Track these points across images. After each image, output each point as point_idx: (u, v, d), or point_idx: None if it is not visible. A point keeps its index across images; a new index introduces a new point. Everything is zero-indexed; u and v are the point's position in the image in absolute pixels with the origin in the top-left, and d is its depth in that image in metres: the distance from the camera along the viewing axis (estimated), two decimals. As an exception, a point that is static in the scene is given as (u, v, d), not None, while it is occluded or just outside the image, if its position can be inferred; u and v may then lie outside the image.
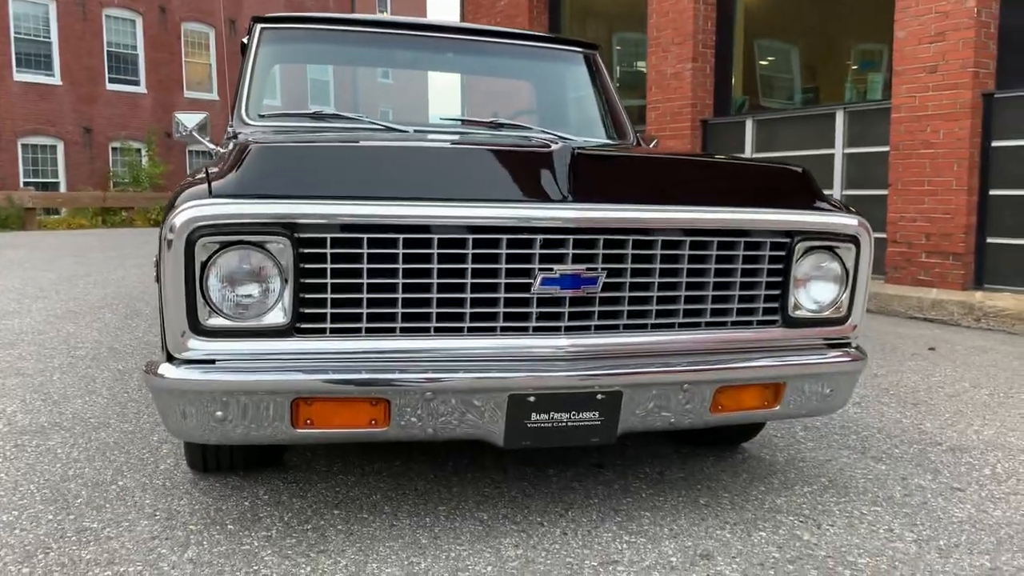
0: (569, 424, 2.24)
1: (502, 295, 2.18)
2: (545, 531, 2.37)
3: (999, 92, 6.42)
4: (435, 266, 2.13)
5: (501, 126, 3.52)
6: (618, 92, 4.02)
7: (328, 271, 2.08)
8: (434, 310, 2.15)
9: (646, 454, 3.06)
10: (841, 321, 2.54)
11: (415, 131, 3.34)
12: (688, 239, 2.31)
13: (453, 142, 2.50)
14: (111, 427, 3.22)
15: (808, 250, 2.47)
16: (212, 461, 2.68)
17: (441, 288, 2.15)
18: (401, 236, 2.10)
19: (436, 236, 2.12)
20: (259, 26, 3.69)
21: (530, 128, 3.56)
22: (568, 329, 2.24)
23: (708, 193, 2.39)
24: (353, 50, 3.96)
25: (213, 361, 2.07)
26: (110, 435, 3.13)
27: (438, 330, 2.17)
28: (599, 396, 2.23)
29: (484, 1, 12.27)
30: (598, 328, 2.27)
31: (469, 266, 2.15)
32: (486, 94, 4.32)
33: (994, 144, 6.45)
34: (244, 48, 3.74)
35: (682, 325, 2.37)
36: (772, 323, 2.47)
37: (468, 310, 2.17)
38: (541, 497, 2.61)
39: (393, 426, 2.16)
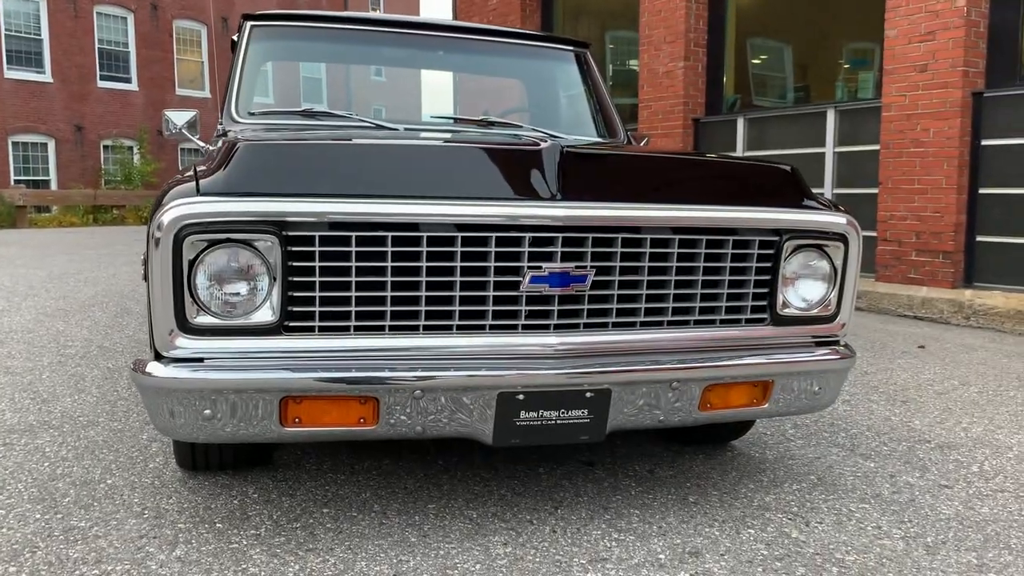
0: (558, 422, 2.24)
1: (491, 293, 2.18)
2: (535, 529, 2.37)
3: (988, 91, 6.44)
4: (424, 264, 2.13)
5: (492, 124, 3.53)
6: (611, 90, 4.03)
7: (317, 269, 2.08)
8: (423, 308, 2.16)
9: (636, 452, 3.06)
10: (829, 319, 2.54)
11: (405, 129, 3.33)
12: (677, 237, 2.31)
13: (442, 140, 2.50)
14: (100, 425, 3.21)
15: (797, 248, 2.47)
16: (201, 460, 2.67)
17: (430, 286, 2.15)
18: (390, 234, 2.10)
19: (425, 234, 2.12)
20: (249, 24, 3.68)
21: (520, 126, 3.56)
22: (557, 327, 2.24)
23: (697, 191, 2.40)
24: (343, 48, 3.96)
25: (201, 359, 2.07)
26: (99, 433, 3.12)
27: (427, 328, 2.17)
28: (588, 394, 2.24)
29: (476, -1, 12.28)
30: (587, 326, 2.27)
31: (458, 264, 2.15)
32: (477, 92, 4.31)
33: (984, 143, 6.48)
34: (234, 46, 3.73)
35: (671, 323, 2.37)
36: (760, 321, 2.47)
37: (457, 308, 2.17)
38: (531, 495, 2.62)
39: (382, 424, 2.16)
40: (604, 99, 4.01)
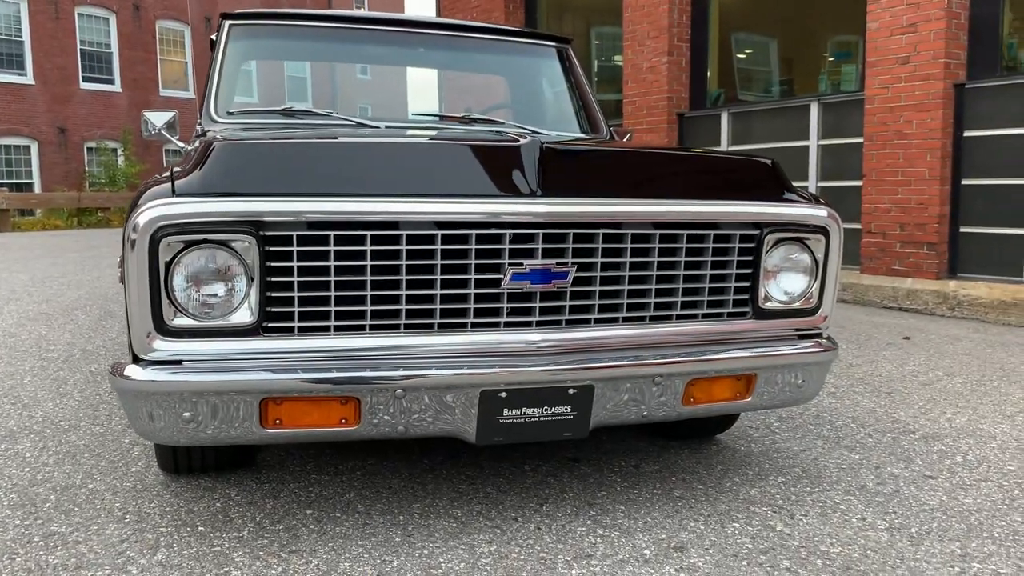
0: (541, 419, 2.23)
1: (472, 291, 2.17)
2: (519, 527, 2.37)
3: (970, 83, 6.47)
4: (404, 262, 2.11)
5: (474, 121, 3.52)
6: (596, 86, 4.03)
7: (295, 269, 2.06)
8: (403, 307, 2.14)
9: (622, 448, 3.06)
10: (812, 312, 2.55)
11: (387, 127, 3.32)
12: (658, 232, 2.31)
13: (422, 137, 2.47)
14: (82, 430, 3.19)
15: (778, 242, 2.47)
16: (183, 462, 2.65)
17: (410, 284, 2.13)
18: (369, 233, 2.08)
19: (404, 232, 2.10)
20: (228, 22, 3.65)
21: (503, 123, 3.55)
22: (539, 324, 2.23)
23: (677, 186, 2.39)
24: (324, 47, 3.93)
25: (180, 361, 2.05)
26: (80, 438, 3.09)
27: (408, 327, 2.16)
28: (571, 390, 2.23)
29: (460, -4, 12.24)
30: (569, 322, 2.27)
31: (438, 262, 2.13)
32: (461, 89, 4.30)
33: (966, 134, 6.50)
34: (213, 45, 3.70)
35: (653, 318, 2.37)
36: (743, 315, 2.47)
37: (438, 306, 2.16)
38: (516, 492, 2.61)
39: (364, 424, 2.14)
40: (587, 95, 4.00)
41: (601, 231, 2.24)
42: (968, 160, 6.52)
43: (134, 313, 2.03)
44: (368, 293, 2.11)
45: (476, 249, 2.15)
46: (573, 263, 2.21)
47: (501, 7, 11.50)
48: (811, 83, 8.35)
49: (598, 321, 2.30)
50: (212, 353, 2.06)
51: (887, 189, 6.84)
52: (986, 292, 6.17)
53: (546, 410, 2.24)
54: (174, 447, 2.54)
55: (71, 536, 2.25)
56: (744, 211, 2.41)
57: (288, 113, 3.37)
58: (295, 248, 2.05)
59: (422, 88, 4.22)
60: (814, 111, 7.60)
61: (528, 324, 2.22)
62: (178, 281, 2.03)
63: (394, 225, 2.09)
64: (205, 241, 2.02)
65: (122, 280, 2.12)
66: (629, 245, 2.28)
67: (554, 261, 2.20)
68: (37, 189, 24.23)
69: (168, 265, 2.01)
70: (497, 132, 3.07)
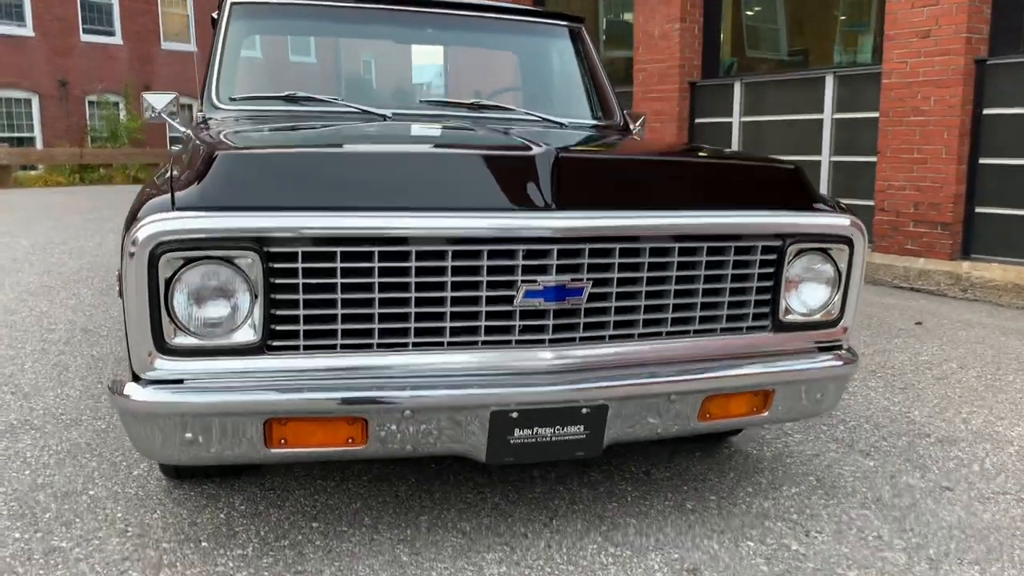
0: (553, 439, 2.17)
1: (483, 308, 2.09)
2: (529, 544, 2.32)
3: (992, 59, 6.29)
4: (413, 279, 2.03)
5: (483, 107, 3.40)
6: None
7: (300, 286, 1.98)
8: (412, 325, 2.06)
9: (632, 451, 3.00)
10: (832, 324, 2.47)
11: (393, 114, 3.21)
12: (677, 245, 2.22)
13: (433, 140, 2.36)
14: (83, 425, 3.13)
15: (800, 252, 2.38)
16: (186, 469, 2.60)
17: (419, 302, 2.05)
18: (376, 249, 2.00)
19: (414, 248, 2.02)
20: (229, 1, 3.52)
21: (512, 109, 3.43)
22: (552, 341, 2.15)
23: (697, 195, 2.30)
24: (329, 25, 3.79)
25: (181, 381, 1.98)
26: (82, 435, 3.04)
27: (417, 345, 2.09)
28: (584, 410, 2.16)
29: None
30: (583, 339, 2.19)
31: (448, 279, 2.05)
32: (469, 69, 4.16)
33: (985, 112, 6.35)
34: (215, 23, 3.57)
35: (670, 333, 2.29)
36: (762, 328, 2.39)
37: (448, 324, 2.08)
38: (525, 503, 2.56)
39: (371, 444, 2.08)
40: (599, 77, 3.86)
41: (618, 245, 2.15)
42: (987, 139, 6.37)
43: (133, 330, 1.95)
44: (376, 311, 2.03)
45: (488, 265, 2.06)
46: (588, 279, 2.13)
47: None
48: (826, 54, 8.15)
49: (613, 337, 2.22)
50: (215, 372, 1.99)
51: (902, 166, 6.71)
52: (1000, 274, 6.07)
53: (558, 430, 2.17)
54: (176, 454, 2.48)
55: (72, 552, 2.20)
56: (767, 221, 2.32)
57: (292, 99, 3.25)
58: (300, 265, 1.97)
59: (430, 68, 4.08)
60: (829, 83, 7.42)
61: (541, 341, 2.14)
62: (179, 298, 1.95)
63: (403, 241, 2.00)
64: (207, 257, 1.94)
65: (120, 295, 2.04)
66: (647, 259, 2.19)
67: (568, 277, 2.11)
68: (39, 143, 24.05)
69: (168, 282, 1.93)
70: (507, 126, 2.97)
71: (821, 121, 7.52)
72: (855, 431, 3.30)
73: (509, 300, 2.09)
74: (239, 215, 1.93)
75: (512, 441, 2.14)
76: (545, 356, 2.14)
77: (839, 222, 2.41)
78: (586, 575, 2.16)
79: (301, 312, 2.00)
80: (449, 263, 2.04)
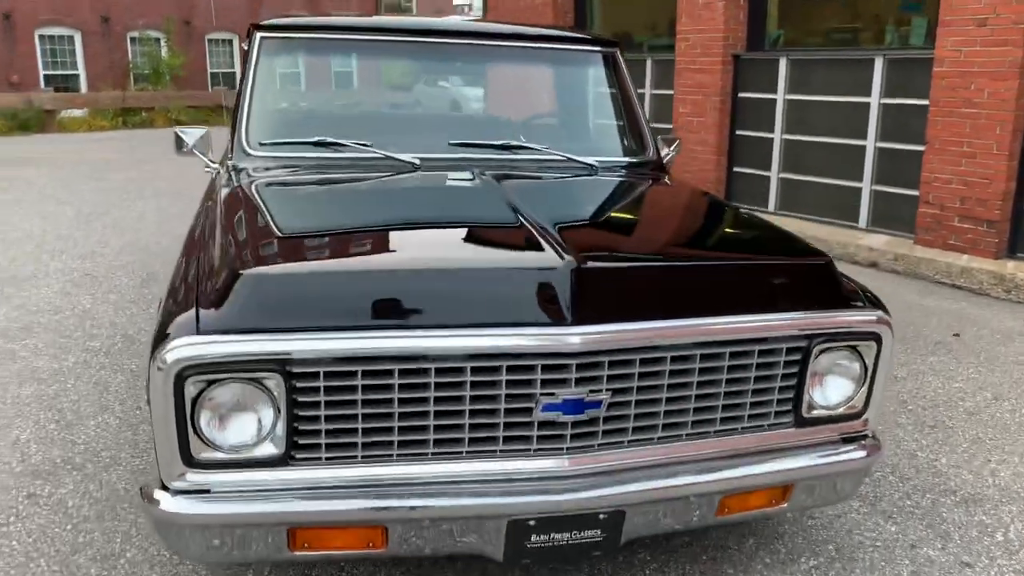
0: (570, 543, 2.21)
1: (502, 420, 2.11)
2: (545, 629, 2.38)
3: (1051, 50, 6.01)
4: (432, 395, 2.06)
5: (515, 148, 3.37)
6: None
7: (322, 403, 2.03)
8: (431, 437, 2.10)
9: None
10: (855, 416, 2.45)
11: (420, 160, 3.20)
12: (699, 352, 2.21)
13: (449, 262, 2.30)
14: (122, 465, 3.25)
15: (826, 349, 2.35)
16: None
17: (439, 415, 2.08)
18: (396, 367, 2.02)
19: (433, 366, 2.04)
20: (259, 35, 3.48)
21: (541, 150, 3.38)
22: (570, 449, 2.17)
23: (721, 299, 2.27)
24: (362, 58, 3.75)
25: (208, 491, 2.05)
26: (120, 478, 3.15)
27: (436, 455, 2.12)
28: (601, 516, 2.19)
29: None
30: (602, 445, 2.20)
31: (467, 393, 2.07)
32: (500, 100, 4.10)
33: (1041, 106, 6.10)
34: (245, 56, 3.55)
35: (690, 435, 2.29)
36: (785, 424, 2.38)
37: (467, 435, 2.12)
38: (545, 569, 2.60)
39: (392, 547, 2.14)
40: (632, 105, 3.78)
41: (638, 356, 2.14)
42: (1041, 135, 6.13)
43: (161, 444, 2.02)
44: (396, 424, 2.07)
45: (507, 380, 2.08)
46: (608, 390, 2.14)
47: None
48: (878, 34, 7.83)
49: (632, 442, 2.23)
50: (240, 483, 2.06)
51: (950, 159, 6.50)
52: (1046, 278, 5.92)
53: (575, 534, 2.21)
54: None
55: (109, 633, 2.31)
56: (793, 322, 2.29)
57: (322, 145, 3.25)
58: (322, 384, 2.01)
59: (461, 100, 4.02)
60: (878, 66, 7.17)
61: (560, 450, 2.17)
62: (204, 416, 2.00)
63: (422, 359, 2.03)
64: (231, 379, 1.98)
65: (148, 403, 2.09)
66: (668, 367, 2.19)
67: (587, 389, 2.12)
68: (82, 81, 24.28)
69: (194, 401, 1.98)
70: (542, 160, 2.93)
71: (868, 105, 7.28)
72: (879, 485, 3.29)
73: (528, 412, 2.11)
74: (262, 339, 1.97)
75: (529, 546, 2.18)
76: (563, 464, 2.16)
77: (867, 318, 2.37)
78: (599, 672, 2.23)
79: (323, 427, 2.04)
80: (468, 379, 2.06)
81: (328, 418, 2.04)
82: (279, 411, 2.02)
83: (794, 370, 2.33)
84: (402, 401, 2.05)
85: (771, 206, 8.38)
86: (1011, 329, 5.38)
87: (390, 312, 2.05)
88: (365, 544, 2.14)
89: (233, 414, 2.01)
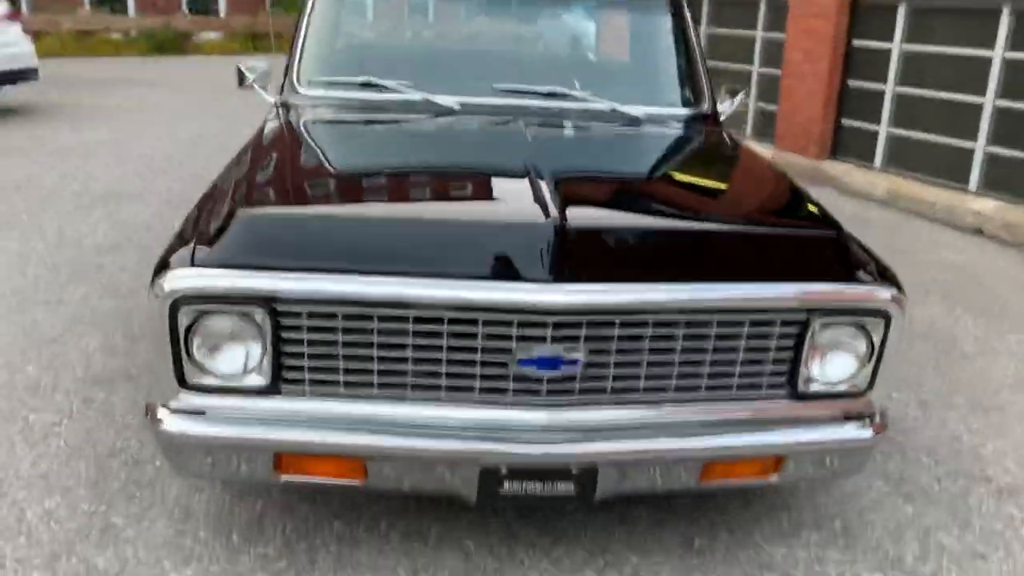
0: (541, 493, 2.26)
1: (479, 371, 2.16)
2: (523, 573, 2.45)
3: None
4: (410, 341, 2.13)
5: (559, 96, 3.34)
6: None
7: (305, 340, 2.13)
8: (409, 380, 2.18)
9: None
10: (858, 395, 2.37)
11: (462, 106, 3.23)
12: (684, 318, 2.17)
13: (438, 216, 2.34)
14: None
15: (829, 324, 2.27)
16: None
17: (416, 362, 2.15)
18: (376, 311, 2.09)
19: (412, 313, 2.10)
20: (318, -26, 3.56)
21: (588, 99, 3.34)
22: (547, 404, 2.20)
23: (714, 266, 2.22)
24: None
25: (203, 412, 2.20)
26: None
27: (414, 398, 2.20)
28: (574, 471, 2.22)
29: None
30: (580, 401, 2.22)
31: (444, 343, 2.13)
32: (554, 42, 4.03)
33: None
34: (304, -3, 3.63)
35: (673, 400, 2.28)
36: (778, 396, 2.33)
37: (444, 382, 2.18)
38: (535, 522, 2.65)
39: (371, 480, 2.25)
40: (693, 55, 3.66)
41: (618, 319, 2.13)
42: None
43: (159, 366, 2.18)
44: (375, 367, 2.15)
45: (483, 332, 2.12)
46: (586, 350, 2.14)
47: None
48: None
49: (611, 402, 2.24)
50: (232, 408, 2.20)
51: (1074, 123, 5.97)
52: None
53: (548, 486, 2.25)
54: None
55: (123, 532, 2.53)
56: (787, 294, 2.22)
57: (367, 86, 3.31)
58: (305, 322, 2.11)
59: (512, 41, 3.96)
60: (1005, 17, 6.59)
61: (536, 404, 2.20)
62: (197, 344, 2.14)
63: (401, 305, 2.09)
64: (221, 311, 2.10)
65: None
66: (650, 332, 2.17)
67: (563, 347, 2.13)
68: (222, 6, 25.11)
69: (188, 330, 2.11)
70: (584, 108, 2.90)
71: (990, 59, 6.74)
72: (911, 464, 3.17)
73: (504, 365, 2.15)
74: (250, 275, 2.08)
75: (501, 492, 2.25)
76: (539, 417, 2.20)
77: (878, 295, 2.26)
78: (564, 620, 2.29)
79: (306, 364, 2.15)
80: (445, 328, 2.11)
81: (311, 355, 2.15)
82: (266, 345, 2.14)
83: (790, 343, 2.26)
84: (381, 345, 2.13)
85: (877, 162, 7.94)
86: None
87: (375, 258, 2.11)
88: (346, 473, 2.25)
89: (224, 344, 2.14)
